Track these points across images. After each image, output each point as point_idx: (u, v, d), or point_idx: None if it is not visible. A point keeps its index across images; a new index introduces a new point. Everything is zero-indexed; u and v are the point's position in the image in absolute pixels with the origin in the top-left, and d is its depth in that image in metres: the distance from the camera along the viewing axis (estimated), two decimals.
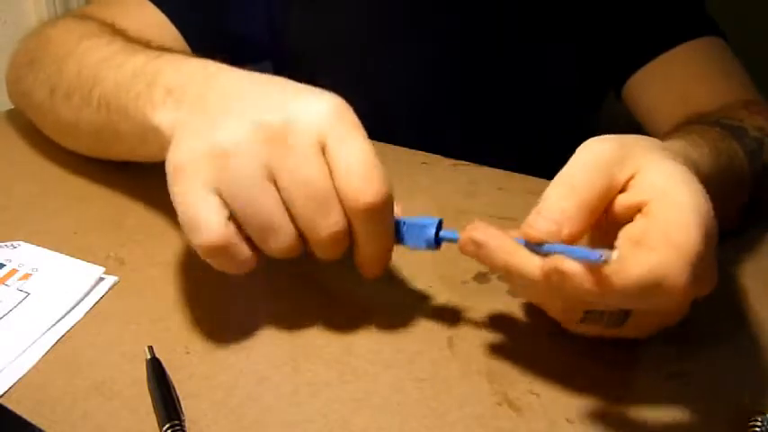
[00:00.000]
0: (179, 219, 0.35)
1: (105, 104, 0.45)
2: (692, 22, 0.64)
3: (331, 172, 0.34)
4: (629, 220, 0.32)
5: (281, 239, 0.35)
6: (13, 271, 0.42)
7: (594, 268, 0.29)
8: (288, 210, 0.35)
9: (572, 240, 0.32)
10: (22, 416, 0.33)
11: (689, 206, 0.30)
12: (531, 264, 0.32)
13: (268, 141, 0.34)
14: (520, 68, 0.67)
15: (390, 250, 0.37)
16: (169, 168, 0.35)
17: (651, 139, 0.35)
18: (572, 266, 0.29)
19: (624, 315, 0.34)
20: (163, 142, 0.38)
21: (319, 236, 0.35)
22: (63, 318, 0.39)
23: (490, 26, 0.66)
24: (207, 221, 0.34)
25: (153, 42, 0.50)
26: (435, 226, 0.37)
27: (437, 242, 0.37)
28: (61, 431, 0.32)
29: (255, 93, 0.36)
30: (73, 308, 0.40)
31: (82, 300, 0.41)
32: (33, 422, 0.33)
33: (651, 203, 0.31)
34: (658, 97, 0.63)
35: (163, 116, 0.39)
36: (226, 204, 0.34)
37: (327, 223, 0.34)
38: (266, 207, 0.34)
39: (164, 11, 0.62)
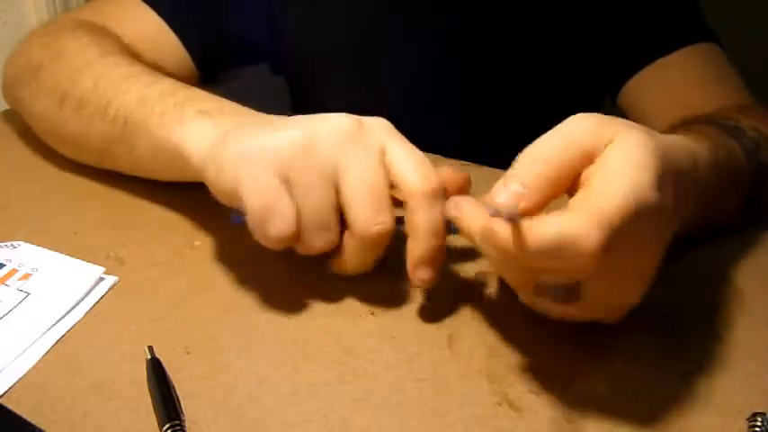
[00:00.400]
0: (246, 204, 0.36)
1: (123, 117, 0.46)
2: (688, 29, 0.65)
3: (390, 171, 0.38)
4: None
5: (329, 240, 0.38)
6: (13, 271, 0.42)
7: (516, 229, 0.30)
8: (343, 209, 0.37)
9: (534, 210, 0.33)
10: (22, 416, 0.33)
11: (626, 180, 0.31)
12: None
13: (344, 136, 0.37)
14: (520, 68, 0.67)
15: (443, 247, 0.38)
16: (230, 157, 0.37)
17: (635, 123, 0.35)
18: (499, 225, 0.31)
19: (572, 289, 0.34)
20: (185, 158, 0.41)
21: (369, 232, 0.37)
22: (63, 318, 0.39)
23: (490, 26, 0.66)
24: (283, 213, 0.36)
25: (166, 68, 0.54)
26: None
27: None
28: (61, 431, 0.32)
29: (307, 115, 0.40)
30: (73, 308, 0.40)
31: (82, 300, 0.41)
32: (33, 422, 0.33)
33: (595, 173, 0.32)
34: (654, 102, 0.64)
35: (192, 132, 0.41)
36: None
37: (381, 220, 0.37)
38: (326, 206, 0.37)
39: (160, 14, 0.62)
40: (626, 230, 0.30)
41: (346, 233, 0.38)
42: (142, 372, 0.35)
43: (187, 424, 0.33)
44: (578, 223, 0.30)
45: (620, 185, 0.30)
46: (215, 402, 0.34)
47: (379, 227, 0.37)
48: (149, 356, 0.36)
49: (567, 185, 0.34)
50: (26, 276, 0.42)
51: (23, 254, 0.44)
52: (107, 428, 0.33)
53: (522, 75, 0.68)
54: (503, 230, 0.31)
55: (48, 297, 0.40)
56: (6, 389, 0.35)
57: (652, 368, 0.37)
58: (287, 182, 0.36)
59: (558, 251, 0.30)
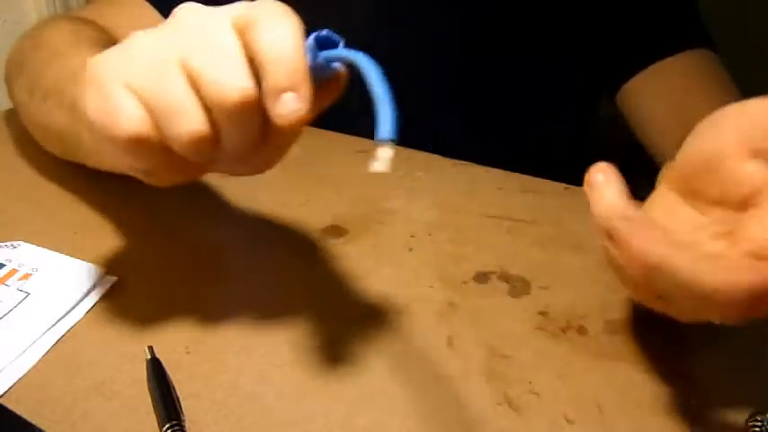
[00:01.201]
0: (92, 122, 0.32)
1: (73, 107, 0.45)
2: (689, 33, 0.65)
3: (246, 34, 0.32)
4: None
5: (195, 123, 0.31)
6: (13, 271, 0.42)
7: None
8: (197, 85, 0.31)
9: None
10: (22, 416, 0.33)
11: None
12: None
13: (175, 26, 0.33)
14: (520, 69, 0.67)
15: (306, 71, 0.32)
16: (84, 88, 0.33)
17: None
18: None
19: None
20: None
21: (230, 98, 0.31)
22: (63, 318, 0.39)
23: (490, 26, 0.66)
24: (124, 108, 0.31)
25: None
26: (314, 39, 0.33)
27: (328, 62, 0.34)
28: (61, 431, 0.32)
29: None
30: (73, 308, 0.40)
31: (82, 300, 0.41)
32: (33, 422, 0.33)
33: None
34: (652, 105, 0.64)
35: None
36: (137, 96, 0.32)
37: (239, 82, 0.31)
38: (178, 87, 0.31)
39: (164, 15, 0.62)
40: None
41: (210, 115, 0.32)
42: (142, 372, 0.35)
43: (187, 424, 0.33)
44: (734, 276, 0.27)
45: None
46: (215, 402, 0.34)
47: (236, 91, 0.31)
48: (149, 356, 0.36)
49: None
50: (26, 276, 0.42)
51: (23, 254, 0.44)
52: (107, 428, 0.33)
53: (523, 75, 0.68)
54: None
55: (48, 297, 0.40)
56: (6, 389, 0.35)
57: (652, 368, 0.37)
58: (130, 86, 0.32)
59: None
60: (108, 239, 0.46)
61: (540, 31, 0.66)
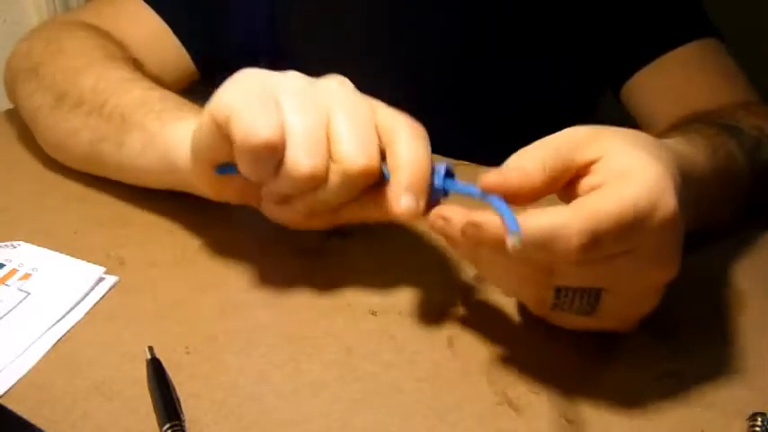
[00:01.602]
0: (229, 119, 0.35)
1: (120, 115, 0.46)
2: (690, 25, 0.65)
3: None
4: None
5: (316, 164, 0.35)
6: (13, 271, 0.42)
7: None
8: (331, 142, 0.36)
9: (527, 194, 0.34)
10: (22, 416, 0.33)
11: (640, 185, 0.31)
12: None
13: (328, 87, 0.37)
14: (520, 69, 0.67)
15: (429, 177, 0.37)
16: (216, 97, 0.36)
17: (632, 131, 0.35)
18: (485, 217, 0.31)
19: (594, 299, 0.34)
20: (172, 151, 0.41)
21: (355, 164, 0.35)
22: (63, 318, 0.39)
23: (490, 26, 0.66)
24: (271, 115, 0.34)
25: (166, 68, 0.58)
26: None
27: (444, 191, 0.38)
28: (61, 431, 0.32)
29: None
30: (73, 308, 0.40)
31: (82, 300, 0.41)
32: (33, 422, 0.33)
33: (605, 184, 0.32)
34: (656, 99, 0.64)
35: (184, 128, 0.41)
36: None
37: (369, 154, 0.35)
38: (318, 126, 0.35)
39: (160, 13, 0.62)
40: (627, 235, 0.30)
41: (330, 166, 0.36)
42: (142, 372, 0.35)
43: (187, 424, 0.33)
44: (564, 221, 0.30)
45: (632, 189, 0.31)
46: (215, 402, 0.34)
47: (366, 161, 0.35)
48: (149, 356, 0.36)
49: (547, 189, 0.34)
50: (26, 276, 0.42)
51: (23, 254, 0.44)
52: (107, 428, 0.33)
53: (523, 75, 0.68)
54: (490, 221, 0.31)
55: (48, 297, 0.40)
56: (6, 389, 0.35)
57: (652, 368, 0.37)
58: (278, 103, 0.35)
59: (540, 245, 0.30)
60: (108, 240, 0.46)
61: (540, 31, 0.66)
